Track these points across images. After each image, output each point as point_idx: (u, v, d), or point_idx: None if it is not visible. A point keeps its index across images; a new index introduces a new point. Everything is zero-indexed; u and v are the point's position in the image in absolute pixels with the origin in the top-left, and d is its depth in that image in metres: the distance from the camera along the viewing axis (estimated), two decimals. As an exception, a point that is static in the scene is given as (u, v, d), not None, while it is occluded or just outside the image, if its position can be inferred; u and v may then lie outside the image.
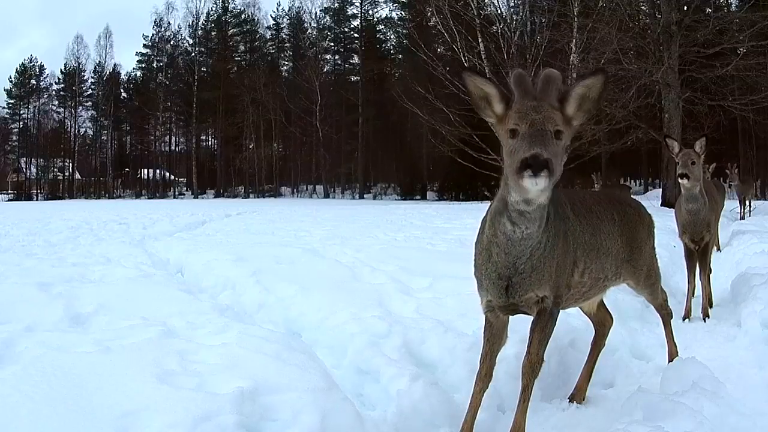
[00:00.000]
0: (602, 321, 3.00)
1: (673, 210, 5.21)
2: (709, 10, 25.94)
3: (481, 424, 2.41)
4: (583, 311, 3.00)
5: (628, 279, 2.82)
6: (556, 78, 1.95)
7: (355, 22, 50.07)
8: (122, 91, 54.52)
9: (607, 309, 3.04)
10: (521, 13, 24.00)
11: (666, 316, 3.18)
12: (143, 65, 53.39)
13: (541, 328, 2.24)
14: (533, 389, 2.28)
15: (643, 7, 22.05)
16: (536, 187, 1.83)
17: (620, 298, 4.01)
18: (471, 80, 2.00)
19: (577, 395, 2.84)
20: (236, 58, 52.42)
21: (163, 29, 51.43)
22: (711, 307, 4.69)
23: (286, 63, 52.65)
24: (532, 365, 2.23)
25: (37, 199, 47.16)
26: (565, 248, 2.24)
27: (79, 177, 53.95)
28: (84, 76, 52.88)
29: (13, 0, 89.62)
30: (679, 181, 4.48)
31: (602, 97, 1.94)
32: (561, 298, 2.27)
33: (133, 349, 2.46)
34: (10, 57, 75.71)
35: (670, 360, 3.10)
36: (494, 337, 2.35)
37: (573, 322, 3.33)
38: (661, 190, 22.45)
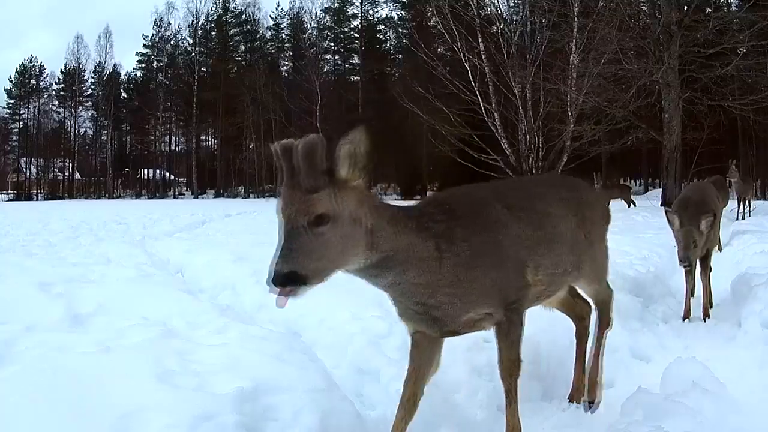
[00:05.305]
0: (580, 314, 2.87)
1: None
2: (709, 10, 25.92)
3: (482, 424, 2.41)
4: (562, 309, 2.88)
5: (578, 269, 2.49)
6: (315, 146, 1.70)
7: (355, 22, 50.01)
8: (122, 91, 54.40)
9: (582, 298, 2.86)
10: (521, 13, 23.93)
11: (605, 322, 2.75)
12: (143, 65, 53.32)
13: (504, 335, 2.10)
14: (527, 389, 2.26)
15: (643, 7, 22.06)
16: (281, 304, 1.66)
17: (620, 298, 4.00)
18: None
19: (576, 395, 2.83)
20: (236, 58, 52.34)
21: (163, 29, 51.37)
22: (711, 307, 4.68)
23: (286, 63, 52.47)
24: (508, 369, 2.13)
25: (37, 199, 47.08)
26: (500, 257, 2.06)
27: (79, 177, 53.88)
28: (84, 76, 52.81)
29: (19, 4, 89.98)
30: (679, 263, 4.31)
31: (370, 150, 1.71)
32: (518, 302, 2.11)
33: (133, 349, 2.46)
34: (16, 59, 76.21)
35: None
36: (422, 359, 2.17)
37: (572, 323, 3.32)
38: (661, 190, 22.44)
